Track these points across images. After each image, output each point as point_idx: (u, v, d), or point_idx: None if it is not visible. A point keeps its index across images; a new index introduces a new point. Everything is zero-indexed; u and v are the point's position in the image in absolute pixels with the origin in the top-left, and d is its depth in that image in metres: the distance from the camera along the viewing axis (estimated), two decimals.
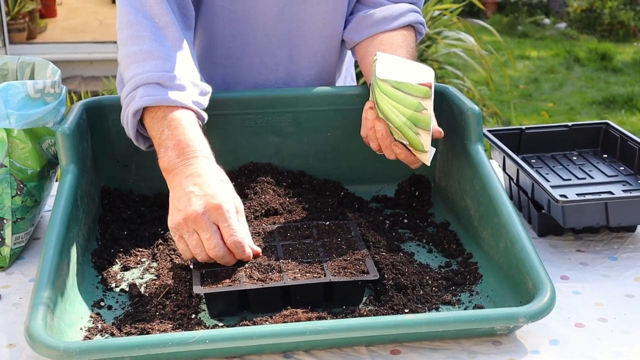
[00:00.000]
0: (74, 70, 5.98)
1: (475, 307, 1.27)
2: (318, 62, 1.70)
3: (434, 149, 1.37)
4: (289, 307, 1.22)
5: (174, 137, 1.33)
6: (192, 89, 1.40)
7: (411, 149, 1.37)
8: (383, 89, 1.29)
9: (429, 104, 1.27)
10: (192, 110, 1.38)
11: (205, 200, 1.25)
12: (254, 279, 1.24)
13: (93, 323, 1.23)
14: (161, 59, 1.39)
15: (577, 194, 1.54)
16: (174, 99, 1.36)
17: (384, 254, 1.37)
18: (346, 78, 1.87)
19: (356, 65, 1.92)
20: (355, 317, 1.21)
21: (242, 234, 1.27)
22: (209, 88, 1.46)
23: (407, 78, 1.29)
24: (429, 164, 1.37)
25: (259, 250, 1.31)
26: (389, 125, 1.35)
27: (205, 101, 1.44)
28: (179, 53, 1.42)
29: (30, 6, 6.22)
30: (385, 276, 1.29)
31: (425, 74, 1.31)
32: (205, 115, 1.42)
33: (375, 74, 1.31)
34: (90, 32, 6.51)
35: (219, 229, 1.26)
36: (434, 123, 1.37)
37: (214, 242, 1.25)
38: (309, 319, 1.19)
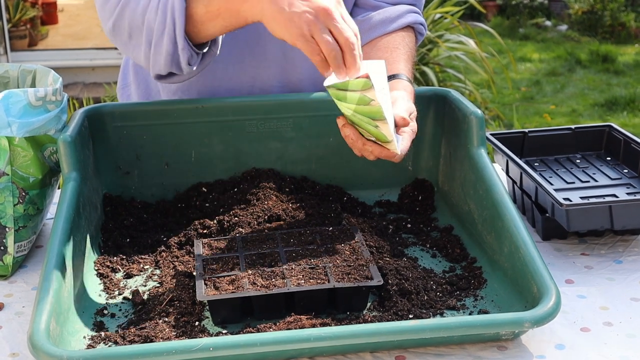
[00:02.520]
0: (76, 77, 5.98)
1: (480, 312, 1.27)
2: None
3: (400, 136, 1.36)
4: (292, 313, 1.22)
5: None
6: None
7: (380, 143, 1.36)
8: (333, 94, 1.31)
9: (373, 94, 1.28)
10: None
11: (312, 6, 1.26)
12: (258, 286, 1.24)
13: (96, 331, 1.22)
14: None
15: (581, 197, 1.53)
16: None
17: (387, 259, 1.36)
18: None
19: None
20: (359, 323, 1.21)
21: (350, 32, 1.28)
22: None
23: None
24: (399, 152, 1.35)
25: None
26: (357, 127, 1.36)
27: None
28: None
29: (31, 13, 6.24)
30: (389, 281, 1.28)
31: (367, 67, 1.32)
32: None
33: (324, 83, 1.34)
34: (92, 39, 6.52)
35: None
36: (398, 110, 1.36)
37: (329, 42, 1.26)
38: (313, 326, 1.18)
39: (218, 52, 1.51)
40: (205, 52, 1.49)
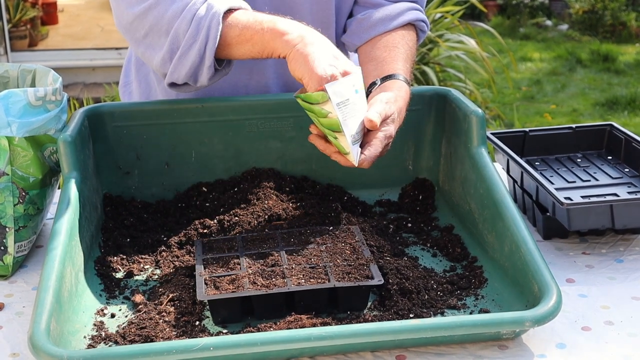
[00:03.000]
0: (76, 77, 5.98)
1: (481, 311, 1.26)
2: None
3: (359, 149, 1.35)
4: (293, 313, 1.22)
5: (270, 17, 1.40)
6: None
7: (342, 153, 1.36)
8: (302, 105, 1.33)
9: (331, 107, 1.29)
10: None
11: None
12: (258, 285, 1.24)
13: (96, 331, 1.22)
14: None
15: (582, 197, 1.53)
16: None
17: (388, 258, 1.36)
18: None
19: None
20: (359, 322, 1.21)
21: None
22: None
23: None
24: (356, 165, 1.35)
25: None
26: (326, 136, 1.37)
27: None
28: None
29: (31, 13, 6.24)
30: (390, 281, 1.28)
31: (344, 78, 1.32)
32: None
33: (294, 94, 1.35)
34: (92, 39, 6.52)
35: None
36: (367, 114, 1.34)
37: None
38: (314, 325, 1.18)
39: (230, 71, 1.53)
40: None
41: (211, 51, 1.43)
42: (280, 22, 1.39)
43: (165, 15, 1.44)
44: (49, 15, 6.89)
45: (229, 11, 1.43)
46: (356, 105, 1.32)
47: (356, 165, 1.34)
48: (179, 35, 1.44)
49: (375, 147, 1.34)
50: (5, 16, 5.97)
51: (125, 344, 1.17)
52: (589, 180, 1.60)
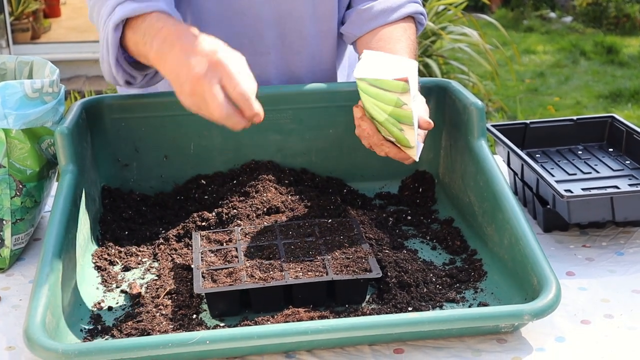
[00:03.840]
0: (78, 69, 5.97)
1: (480, 304, 1.26)
2: (309, 46, 1.69)
3: (422, 144, 1.35)
4: (290, 306, 1.21)
5: (156, 27, 1.31)
6: (169, 5, 1.41)
7: (399, 145, 1.35)
8: (362, 87, 1.28)
9: (408, 99, 1.25)
10: (169, 14, 1.37)
11: (203, 60, 1.18)
12: (256, 278, 1.23)
13: (93, 324, 1.21)
14: None
15: (583, 189, 1.52)
16: (151, 5, 1.36)
17: (387, 251, 1.35)
18: (349, 76, 1.86)
19: None
20: (358, 315, 1.20)
21: (246, 85, 1.18)
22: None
23: (384, 74, 1.27)
24: (417, 160, 1.35)
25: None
26: (375, 123, 1.34)
27: (179, 15, 1.44)
28: None
29: (34, 6, 6.22)
30: (389, 274, 1.28)
31: (406, 69, 1.29)
32: (180, 17, 1.43)
33: (354, 73, 1.31)
34: (95, 32, 6.46)
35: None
36: (423, 115, 1.35)
37: (218, 100, 1.16)
38: (311, 319, 1.17)
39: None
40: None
41: (113, 60, 1.41)
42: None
43: (92, 15, 1.46)
44: (52, 8, 6.87)
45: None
46: (417, 101, 1.32)
47: (417, 160, 1.34)
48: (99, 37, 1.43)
49: (421, 147, 1.35)
50: (7, 9, 5.96)
51: (122, 337, 1.16)
52: (590, 173, 1.59)
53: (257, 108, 1.18)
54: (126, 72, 1.44)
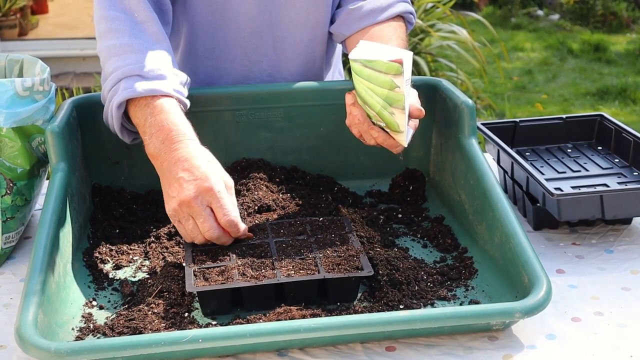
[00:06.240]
0: (66, 66, 5.95)
1: (471, 302, 1.26)
2: (302, 53, 1.69)
3: (412, 130, 1.36)
4: (282, 304, 1.21)
5: (157, 123, 1.34)
6: (173, 78, 1.41)
7: (388, 130, 1.35)
8: (356, 69, 1.29)
9: (401, 82, 1.26)
10: (174, 98, 1.39)
11: (195, 184, 1.27)
12: (247, 277, 1.23)
13: (85, 323, 1.21)
14: (141, 52, 1.40)
15: (572, 187, 1.53)
16: (156, 88, 1.37)
17: (378, 249, 1.36)
18: (334, 73, 1.86)
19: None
20: (349, 313, 1.20)
21: (234, 212, 1.28)
22: (187, 78, 1.47)
23: (379, 57, 1.28)
24: (405, 145, 1.35)
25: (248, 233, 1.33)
26: (366, 110, 1.35)
27: (185, 90, 1.45)
28: (159, 46, 1.43)
29: (21, 2, 6.19)
30: (380, 272, 1.28)
31: (401, 53, 1.30)
32: (187, 102, 1.44)
33: (349, 56, 1.32)
34: (82, 28, 6.48)
35: (212, 210, 1.27)
36: (413, 102, 1.36)
37: (208, 224, 1.27)
38: (303, 317, 1.18)
39: None
40: None
41: (117, 129, 1.42)
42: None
43: (101, 52, 1.45)
44: (39, 5, 6.85)
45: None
46: (409, 87, 1.33)
47: (405, 145, 1.36)
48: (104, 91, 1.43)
49: (410, 135, 1.38)
50: None
51: (114, 336, 1.16)
52: (579, 171, 1.59)
53: (243, 230, 1.31)
54: (132, 131, 1.45)
